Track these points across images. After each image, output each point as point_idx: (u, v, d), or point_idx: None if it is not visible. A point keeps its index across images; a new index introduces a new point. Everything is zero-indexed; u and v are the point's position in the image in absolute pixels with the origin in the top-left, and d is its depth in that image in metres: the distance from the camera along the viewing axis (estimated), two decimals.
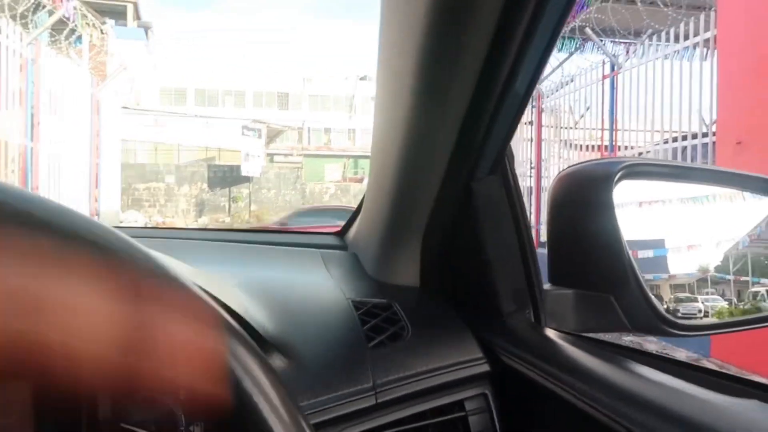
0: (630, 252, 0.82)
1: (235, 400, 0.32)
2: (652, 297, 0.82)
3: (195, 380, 0.31)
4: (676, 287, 1.09)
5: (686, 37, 5.85)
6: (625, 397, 0.54)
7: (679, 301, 0.99)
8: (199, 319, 0.32)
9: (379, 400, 0.64)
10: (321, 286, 0.86)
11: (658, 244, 1.00)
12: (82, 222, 0.29)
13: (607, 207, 0.80)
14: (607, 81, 7.40)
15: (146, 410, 0.44)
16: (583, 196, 0.83)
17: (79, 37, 10.98)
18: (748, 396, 0.49)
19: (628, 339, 1.02)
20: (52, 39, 10.02)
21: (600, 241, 0.80)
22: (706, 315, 1.26)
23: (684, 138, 5.99)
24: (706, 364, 0.62)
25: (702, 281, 1.25)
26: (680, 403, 0.50)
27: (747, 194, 1.06)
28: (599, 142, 7.84)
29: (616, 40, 8.31)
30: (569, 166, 0.89)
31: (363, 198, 1.04)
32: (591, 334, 0.78)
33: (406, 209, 0.81)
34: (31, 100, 8.08)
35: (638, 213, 0.93)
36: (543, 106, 9.16)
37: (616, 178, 0.80)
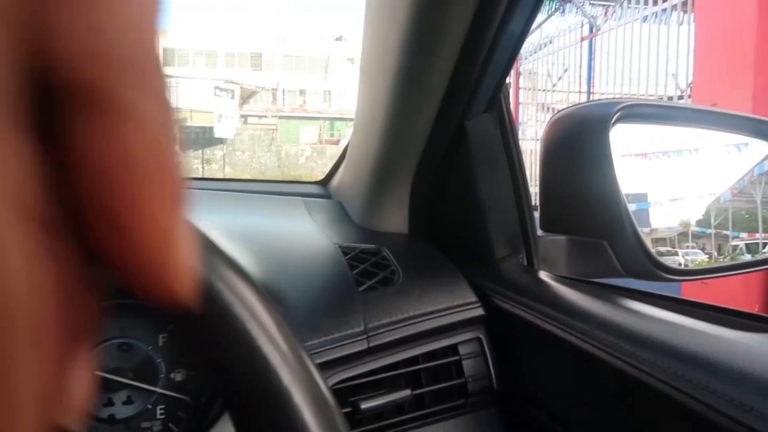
0: (625, 196, 0.80)
1: (224, 326, 0.29)
2: (646, 242, 0.81)
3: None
4: (657, 241, 1.09)
5: (663, 0, 5.82)
6: (626, 334, 0.52)
7: (659, 254, 0.98)
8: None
9: (371, 344, 0.62)
10: (306, 232, 0.82)
11: (641, 198, 0.99)
12: None
13: (603, 150, 0.77)
14: (585, 43, 7.36)
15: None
16: (578, 140, 0.80)
17: None
18: (757, 330, 0.48)
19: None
20: None
21: (595, 186, 0.78)
22: (686, 267, 1.26)
23: (660, 99, 6.01)
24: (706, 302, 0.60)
25: (683, 235, 1.25)
26: (686, 339, 0.48)
27: (731, 148, 1.05)
28: (577, 103, 7.84)
29: (595, 1, 8.24)
30: (563, 109, 0.86)
31: (347, 145, 1.00)
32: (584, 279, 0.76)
33: (396, 152, 0.77)
34: None
35: (621, 166, 0.91)
36: (520, 68, 9.09)
37: (612, 120, 0.77)
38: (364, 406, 0.60)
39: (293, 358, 0.29)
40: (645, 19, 6.23)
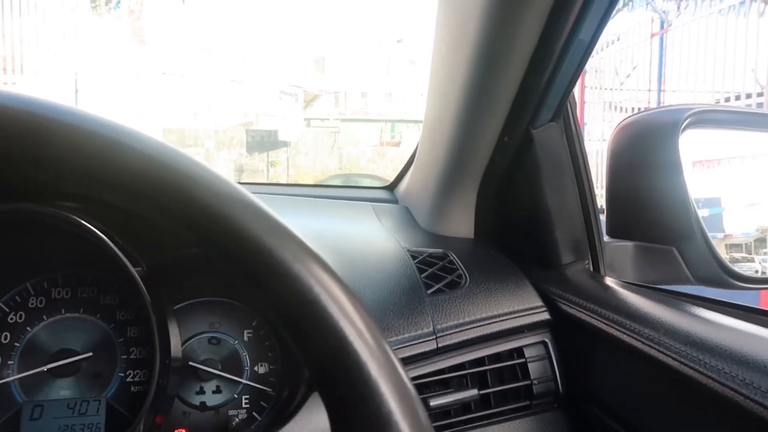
0: (695, 203, 0.79)
1: (320, 323, 0.33)
2: (717, 249, 0.80)
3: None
4: (732, 247, 1.06)
5: None
6: (694, 341, 0.53)
7: (734, 261, 0.96)
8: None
9: (439, 345, 0.65)
10: (376, 236, 0.86)
11: (714, 203, 0.97)
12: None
13: (673, 156, 0.77)
14: (656, 39, 7.09)
15: None
16: (647, 146, 0.80)
17: (118, 2, 11.10)
18: None
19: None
20: (93, 4, 10.16)
21: (664, 192, 0.78)
22: (763, 275, 1.22)
23: (737, 98, 5.72)
24: None
25: (760, 241, 1.21)
26: (756, 347, 0.49)
27: None
28: (646, 105, 7.56)
29: None
30: (631, 115, 0.86)
31: (414, 151, 1.03)
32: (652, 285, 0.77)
33: (463, 159, 0.80)
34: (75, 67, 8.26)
35: (693, 170, 0.89)
36: (586, 66, 8.84)
37: (682, 126, 0.77)
38: (433, 403, 0.63)
39: (379, 353, 0.32)
40: (720, 11, 5.94)
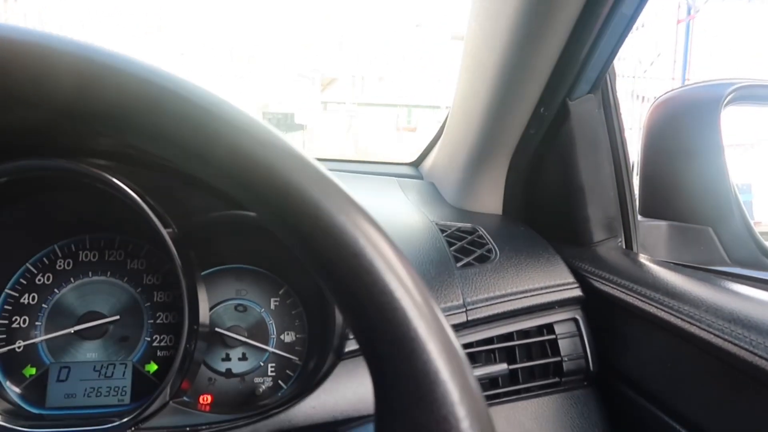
0: (734, 182, 0.77)
1: (367, 277, 0.31)
2: (756, 231, 0.77)
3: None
4: (763, 234, 1.03)
5: None
6: (737, 318, 0.51)
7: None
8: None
9: (469, 318, 0.64)
10: (403, 209, 0.85)
11: (745, 189, 0.94)
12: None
13: (714, 134, 0.75)
14: (682, 26, 6.93)
15: None
16: (686, 123, 0.78)
17: None
18: None
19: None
20: None
21: (703, 171, 0.76)
22: None
23: None
24: None
25: None
26: None
27: None
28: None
29: None
30: (669, 90, 0.83)
31: (440, 128, 1.01)
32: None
33: (496, 131, 0.78)
34: None
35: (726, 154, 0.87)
36: None
37: (725, 102, 0.74)
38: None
39: (427, 310, 0.31)
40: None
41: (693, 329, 0.54)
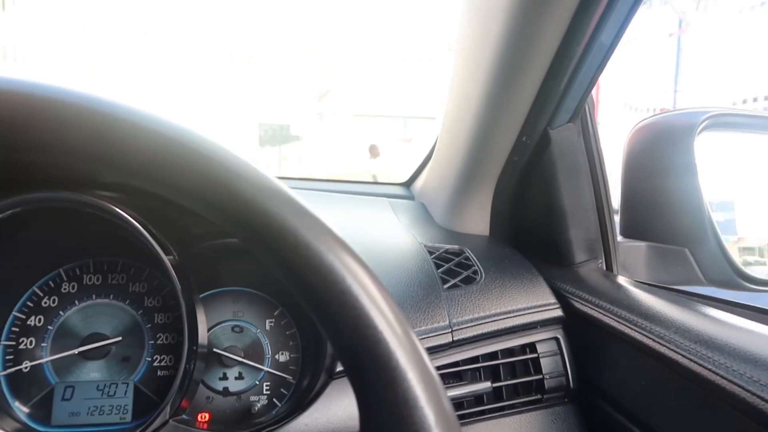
0: (708, 205, 0.81)
1: (352, 312, 0.35)
2: (730, 251, 0.81)
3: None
4: (745, 250, 1.07)
5: None
6: (703, 339, 0.55)
7: (747, 264, 0.97)
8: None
9: (455, 338, 0.67)
10: (393, 231, 0.88)
11: (728, 207, 0.98)
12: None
13: (688, 159, 0.79)
14: (673, 39, 7.03)
15: None
16: (663, 148, 0.82)
17: None
18: None
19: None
20: None
21: (678, 194, 0.80)
22: None
23: (755, 100, 5.66)
24: None
25: None
26: (759, 345, 0.50)
27: None
28: (661, 104, 7.50)
29: None
30: (647, 117, 0.87)
31: (431, 149, 1.05)
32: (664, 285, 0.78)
33: (482, 157, 0.81)
34: None
35: (707, 173, 0.91)
36: None
37: (698, 130, 0.78)
38: (447, 394, 0.65)
39: (407, 342, 0.34)
40: (740, 11, 5.88)
41: (663, 349, 0.57)
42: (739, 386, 0.47)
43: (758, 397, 0.46)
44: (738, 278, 0.78)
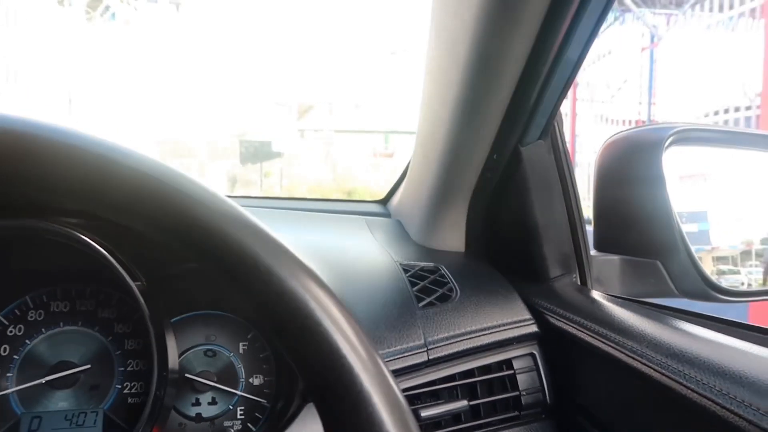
0: (678, 218, 0.82)
1: (316, 337, 0.34)
2: (701, 263, 0.82)
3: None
4: (719, 259, 1.08)
5: (731, 7, 5.63)
6: (674, 353, 0.55)
7: (721, 273, 0.99)
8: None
9: (430, 357, 0.67)
10: (368, 249, 0.88)
11: (701, 217, 1.00)
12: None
13: (657, 172, 0.80)
14: (646, 53, 7.19)
15: None
16: (632, 162, 0.83)
17: (113, 14, 11.15)
18: None
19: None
20: (88, 16, 10.20)
21: (649, 208, 0.80)
22: (749, 288, 1.24)
23: (726, 111, 5.80)
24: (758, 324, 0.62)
25: (746, 253, 1.23)
26: (736, 360, 0.51)
27: None
28: (636, 117, 7.65)
29: (657, 11, 8.03)
30: (617, 133, 0.88)
31: (407, 166, 1.05)
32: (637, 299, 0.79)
33: (454, 175, 0.82)
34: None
35: (681, 185, 0.92)
36: (578, 79, 8.95)
37: (666, 144, 0.80)
38: (424, 414, 0.64)
39: (372, 365, 0.34)
40: (708, 27, 6.04)
41: (636, 364, 0.57)
42: (710, 400, 0.48)
43: (729, 410, 0.46)
44: (709, 289, 0.79)
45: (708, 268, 0.93)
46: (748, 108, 5.51)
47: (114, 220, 0.35)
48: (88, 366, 0.65)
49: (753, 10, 5.31)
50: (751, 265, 1.32)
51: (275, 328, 0.36)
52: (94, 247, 0.57)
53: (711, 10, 6.00)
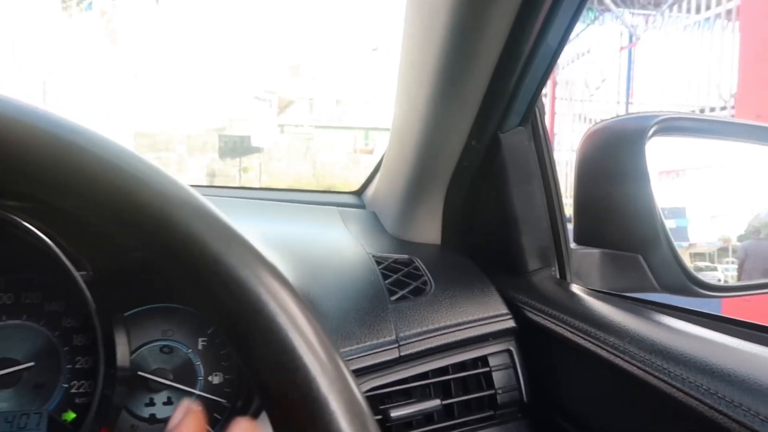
0: (661, 211, 0.79)
1: (268, 335, 0.30)
2: (682, 257, 0.80)
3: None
4: (696, 256, 1.07)
5: (707, 8, 5.70)
6: (658, 350, 0.52)
7: (698, 269, 0.97)
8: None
9: (402, 353, 0.63)
10: (340, 241, 0.84)
11: (679, 213, 0.98)
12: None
13: (640, 164, 0.77)
14: (625, 52, 7.25)
15: None
16: (614, 153, 0.80)
17: (90, 3, 10.90)
18: None
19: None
20: (64, 5, 9.98)
21: (631, 199, 0.78)
22: (726, 283, 1.23)
23: (701, 111, 5.87)
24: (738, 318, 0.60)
25: (723, 250, 1.22)
26: (720, 356, 0.48)
27: None
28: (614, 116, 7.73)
29: (635, 11, 8.10)
30: (599, 122, 0.86)
31: (382, 157, 1.01)
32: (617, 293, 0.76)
33: (431, 164, 0.78)
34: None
35: (660, 180, 0.90)
36: (557, 78, 9.00)
37: (649, 134, 0.77)
38: (394, 414, 0.61)
39: (331, 368, 0.30)
40: (686, 27, 6.11)
41: (617, 360, 0.54)
42: (698, 399, 0.45)
43: (715, 410, 0.43)
44: (691, 284, 0.77)
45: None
46: (723, 108, 5.59)
47: (41, 197, 0.31)
48: (32, 363, 0.60)
49: (729, 12, 5.39)
50: (727, 262, 1.32)
51: (222, 323, 0.32)
52: (33, 232, 0.52)
53: (688, 11, 6.07)
